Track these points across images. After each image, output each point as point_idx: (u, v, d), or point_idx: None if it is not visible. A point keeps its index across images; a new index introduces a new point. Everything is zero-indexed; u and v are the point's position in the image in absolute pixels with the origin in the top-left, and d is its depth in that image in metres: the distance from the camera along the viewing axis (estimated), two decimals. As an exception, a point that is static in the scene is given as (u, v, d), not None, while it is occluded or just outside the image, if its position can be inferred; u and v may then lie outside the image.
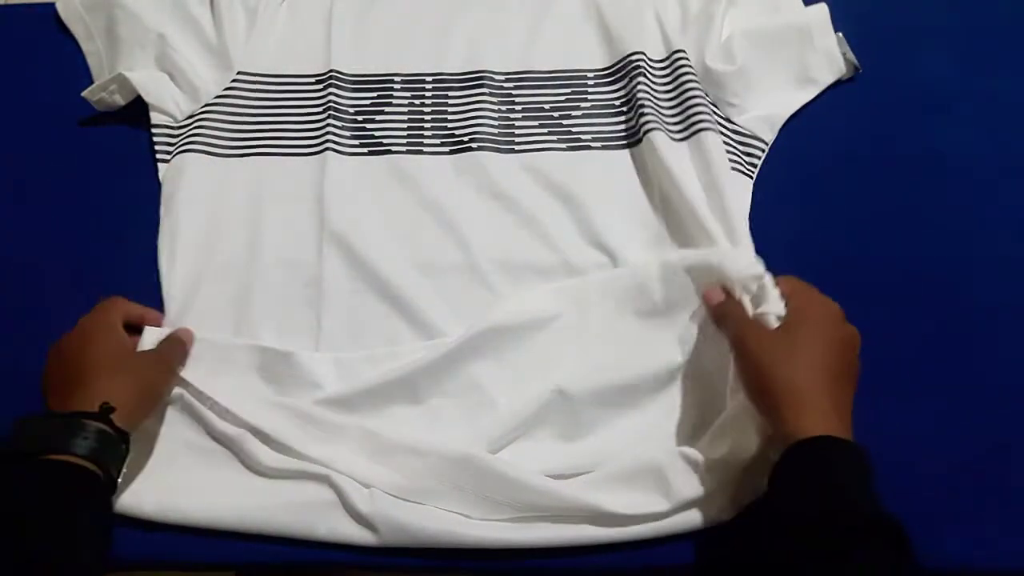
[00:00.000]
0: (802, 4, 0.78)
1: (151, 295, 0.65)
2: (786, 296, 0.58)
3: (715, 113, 0.71)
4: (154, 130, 0.72)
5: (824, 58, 0.75)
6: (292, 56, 0.76)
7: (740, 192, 0.68)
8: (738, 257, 0.60)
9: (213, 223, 0.68)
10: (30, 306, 0.67)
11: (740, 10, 0.76)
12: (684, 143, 0.69)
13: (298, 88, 0.75)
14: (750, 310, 0.58)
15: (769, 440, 0.54)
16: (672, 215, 0.68)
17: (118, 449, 0.52)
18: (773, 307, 0.57)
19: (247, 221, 0.68)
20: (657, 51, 0.75)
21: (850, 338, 0.55)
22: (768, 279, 0.59)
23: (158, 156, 0.71)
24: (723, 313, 0.59)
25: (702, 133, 0.69)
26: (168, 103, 0.73)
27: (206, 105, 0.73)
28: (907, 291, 0.67)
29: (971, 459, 0.60)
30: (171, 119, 0.72)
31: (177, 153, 0.71)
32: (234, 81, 0.74)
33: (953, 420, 0.61)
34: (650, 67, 0.73)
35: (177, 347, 0.61)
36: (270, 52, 0.76)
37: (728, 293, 0.60)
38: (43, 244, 0.70)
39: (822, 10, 0.76)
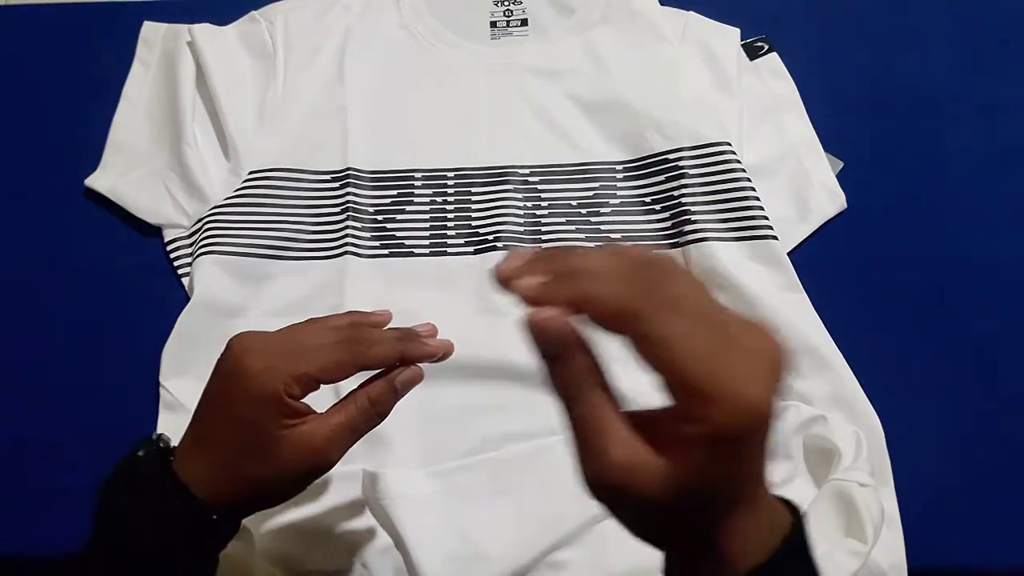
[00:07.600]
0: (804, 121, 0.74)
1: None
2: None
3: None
4: (169, 247, 0.68)
5: (823, 193, 0.71)
6: (305, 152, 0.71)
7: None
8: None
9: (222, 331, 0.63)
10: (29, 306, 0.67)
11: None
12: (734, 244, 0.66)
13: (313, 186, 0.70)
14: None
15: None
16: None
17: None
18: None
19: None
20: (693, 139, 0.70)
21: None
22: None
23: (180, 273, 0.67)
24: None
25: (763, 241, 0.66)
26: (169, 210, 0.69)
27: (216, 206, 0.69)
28: (906, 291, 0.67)
29: (971, 459, 0.60)
30: (181, 229, 0.69)
31: (195, 258, 0.67)
32: (245, 180, 0.70)
33: (953, 420, 0.61)
34: (689, 161, 0.69)
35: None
36: (281, 147, 0.71)
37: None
38: (43, 245, 0.70)
39: (813, 141, 0.73)
